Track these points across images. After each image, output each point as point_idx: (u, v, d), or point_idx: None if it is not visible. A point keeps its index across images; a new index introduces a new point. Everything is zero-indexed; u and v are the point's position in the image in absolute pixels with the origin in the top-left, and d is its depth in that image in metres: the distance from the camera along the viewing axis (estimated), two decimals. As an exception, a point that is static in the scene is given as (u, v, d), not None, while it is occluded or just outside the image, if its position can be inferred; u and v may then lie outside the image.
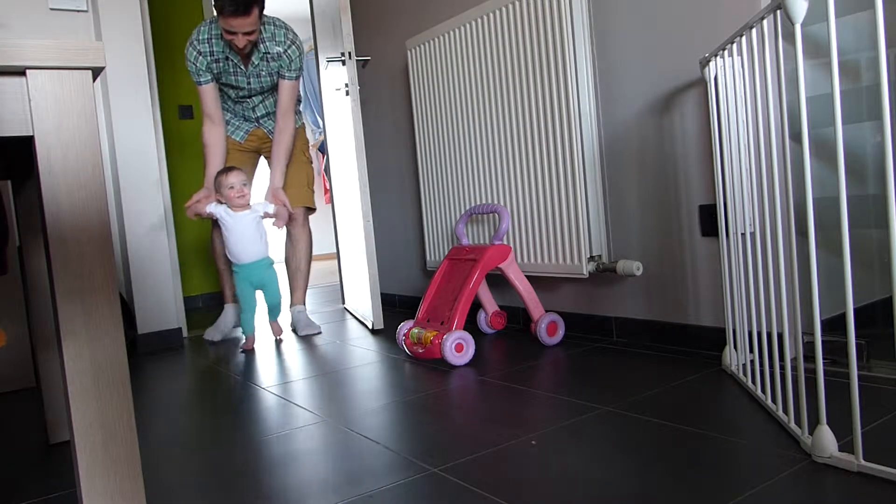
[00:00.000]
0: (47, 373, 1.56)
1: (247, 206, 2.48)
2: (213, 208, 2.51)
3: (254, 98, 2.70)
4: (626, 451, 1.22)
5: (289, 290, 2.84)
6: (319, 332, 2.72)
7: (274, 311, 2.64)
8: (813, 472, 1.06)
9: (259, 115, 2.75)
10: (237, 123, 2.77)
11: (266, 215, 2.53)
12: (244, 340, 2.55)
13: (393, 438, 1.39)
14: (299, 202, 2.70)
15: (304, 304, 2.84)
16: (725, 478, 1.07)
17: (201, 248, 4.10)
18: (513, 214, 2.32)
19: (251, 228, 2.49)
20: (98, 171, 0.79)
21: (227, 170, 2.51)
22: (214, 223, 2.67)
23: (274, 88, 2.69)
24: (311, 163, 2.85)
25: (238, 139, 2.77)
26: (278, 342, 2.61)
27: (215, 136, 2.63)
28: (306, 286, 2.84)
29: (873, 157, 1.76)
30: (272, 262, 2.59)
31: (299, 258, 2.78)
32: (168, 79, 3.92)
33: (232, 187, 2.46)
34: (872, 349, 1.60)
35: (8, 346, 2.17)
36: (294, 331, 2.80)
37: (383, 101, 3.20)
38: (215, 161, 2.63)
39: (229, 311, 2.82)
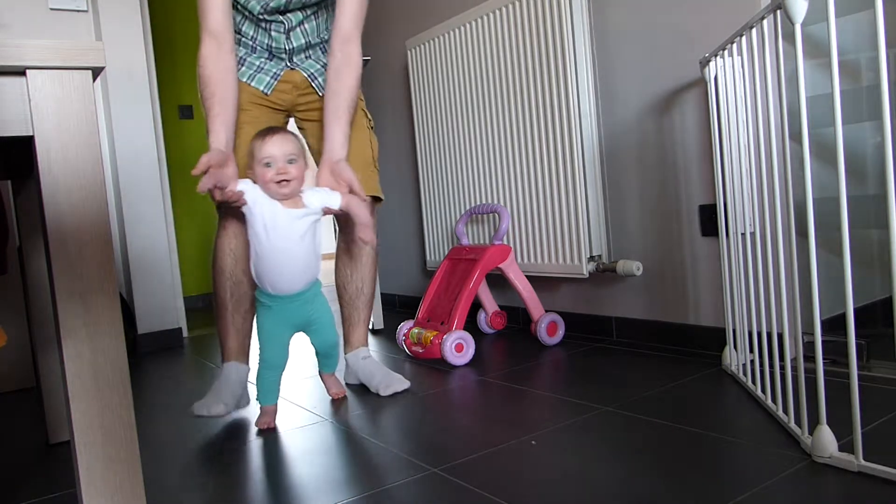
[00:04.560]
0: (47, 373, 1.56)
1: (293, 196, 1.45)
2: (250, 191, 1.43)
3: (290, 16, 1.66)
4: (625, 451, 1.22)
5: (342, 326, 1.85)
6: (408, 388, 1.74)
7: (330, 358, 1.69)
8: (813, 472, 1.06)
9: (295, 45, 1.70)
10: (259, 63, 1.69)
11: (327, 212, 1.50)
12: (259, 415, 1.56)
13: (393, 438, 1.39)
14: (365, 191, 1.59)
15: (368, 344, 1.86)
16: (725, 478, 1.07)
17: (201, 247, 4.10)
18: (513, 214, 2.32)
19: (305, 240, 1.46)
20: (98, 171, 0.79)
21: (266, 132, 1.46)
22: (225, 219, 1.63)
23: (321, 4, 1.71)
24: (374, 128, 1.84)
25: (262, 88, 1.69)
26: (334, 401, 1.71)
27: (224, 65, 1.54)
28: (370, 317, 1.86)
29: (873, 157, 1.76)
30: (320, 286, 1.59)
31: (362, 276, 1.81)
32: (168, 79, 3.92)
33: (268, 164, 1.41)
34: (872, 349, 1.61)
35: (8, 346, 2.17)
36: (363, 386, 1.80)
37: (383, 101, 3.20)
38: (227, 107, 1.52)
39: (231, 372, 1.68)
